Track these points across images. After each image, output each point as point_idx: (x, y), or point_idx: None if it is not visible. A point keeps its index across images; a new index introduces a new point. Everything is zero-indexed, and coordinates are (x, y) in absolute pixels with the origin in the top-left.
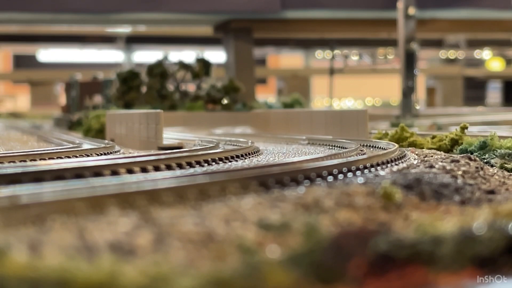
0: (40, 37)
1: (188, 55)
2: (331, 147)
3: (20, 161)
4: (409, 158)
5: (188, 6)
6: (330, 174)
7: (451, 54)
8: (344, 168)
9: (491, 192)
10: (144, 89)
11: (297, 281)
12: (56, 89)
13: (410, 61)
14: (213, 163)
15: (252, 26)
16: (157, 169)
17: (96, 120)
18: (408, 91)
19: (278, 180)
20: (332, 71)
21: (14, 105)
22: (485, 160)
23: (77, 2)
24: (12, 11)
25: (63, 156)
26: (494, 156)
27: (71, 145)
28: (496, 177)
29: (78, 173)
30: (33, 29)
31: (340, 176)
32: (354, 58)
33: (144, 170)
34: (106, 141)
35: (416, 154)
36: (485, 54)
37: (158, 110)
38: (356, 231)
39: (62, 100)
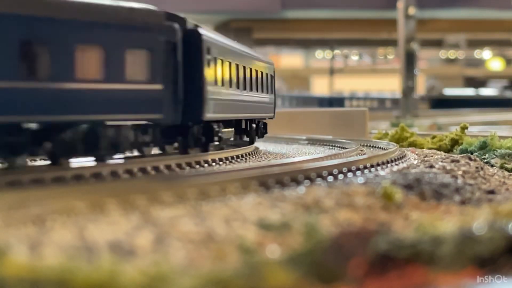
0: None
1: None
2: (331, 147)
3: None
4: (409, 158)
5: (188, 6)
6: (330, 174)
7: (451, 54)
8: (344, 168)
9: (491, 192)
10: None
11: (297, 281)
12: None
13: (410, 61)
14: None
15: (252, 26)
16: None
17: None
18: (408, 91)
19: (278, 180)
20: (332, 71)
21: None
22: (485, 160)
23: None
24: None
25: None
26: (494, 156)
27: None
28: (496, 177)
29: None
30: None
31: (340, 176)
32: (354, 58)
33: None
34: None
35: (416, 154)
36: (485, 54)
37: None
38: (356, 231)
39: None
